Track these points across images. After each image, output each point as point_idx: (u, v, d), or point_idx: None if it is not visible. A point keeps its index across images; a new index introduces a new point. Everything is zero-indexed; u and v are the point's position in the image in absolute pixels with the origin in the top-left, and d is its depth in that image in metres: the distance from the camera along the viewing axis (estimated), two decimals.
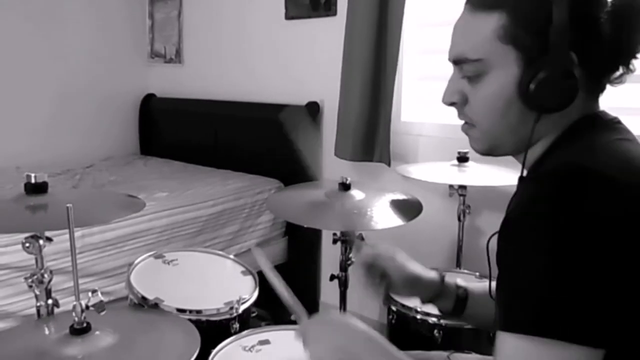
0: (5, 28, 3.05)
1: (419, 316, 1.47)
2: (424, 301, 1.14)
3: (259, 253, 1.15)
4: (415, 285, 1.12)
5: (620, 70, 0.79)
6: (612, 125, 0.80)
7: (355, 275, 1.18)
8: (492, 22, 0.78)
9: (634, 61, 0.79)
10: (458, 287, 1.12)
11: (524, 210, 0.70)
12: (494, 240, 0.83)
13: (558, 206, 0.66)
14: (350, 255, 1.59)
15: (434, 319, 1.44)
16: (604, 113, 0.83)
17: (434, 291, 1.12)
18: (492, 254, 0.84)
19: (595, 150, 0.74)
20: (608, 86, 0.83)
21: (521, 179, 0.83)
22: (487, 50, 0.80)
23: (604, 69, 0.79)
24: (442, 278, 1.13)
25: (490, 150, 0.88)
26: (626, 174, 0.69)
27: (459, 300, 1.11)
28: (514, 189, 0.90)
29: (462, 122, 0.89)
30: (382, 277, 1.12)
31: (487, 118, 0.84)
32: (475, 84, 0.83)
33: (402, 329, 1.54)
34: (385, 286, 1.13)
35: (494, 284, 0.93)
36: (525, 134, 0.80)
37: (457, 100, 0.86)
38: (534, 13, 0.76)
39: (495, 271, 0.94)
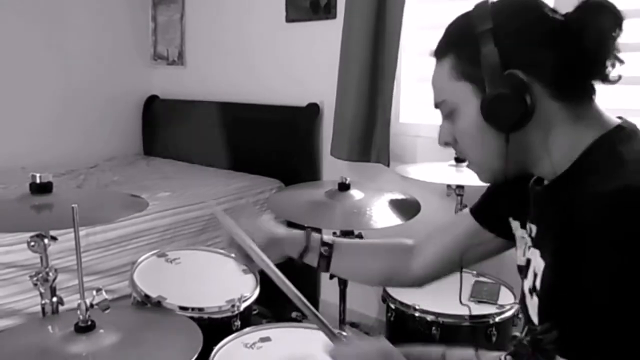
0: (11, 31, 3.05)
1: (417, 314, 1.47)
2: (296, 258, 1.16)
3: (222, 215, 1.13)
4: (279, 245, 1.15)
5: (606, 65, 0.79)
6: (638, 132, 0.82)
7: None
8: (446, 66, 0.87)
9: (611, 54, 0.79)
10: (323, 243, 1.16)
11: (590, 235, 0.70)
12: None
13: (626, 230, 0.67)
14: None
15: (432, 317, 1.44)
16: (627, 122, 0.83)
17: (300, 246, 1.15)
18: None
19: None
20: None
21: (547, 188, 0.86)
22: (448, 90, 0.87)
23: (572, 74, 0.80)
24: (308, 233, 1.17)
25: (495, 178, 0.92)
26: None
27: (322, 257, 1.15)
28: None
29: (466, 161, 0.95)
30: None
31: (472, 150, 0.90)
32: (454, 121, 0.89)
33: (400, 326, 1.54)
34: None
35: None
36: (516, 153, 0.83)
37: (449, 141, 0.92)
38: (468, 48, 0.83)
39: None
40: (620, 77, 0.81)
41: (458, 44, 0.86)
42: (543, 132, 0.82)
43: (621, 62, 0.80)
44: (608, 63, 0.80)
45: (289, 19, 2.81)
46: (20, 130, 3.13)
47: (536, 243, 0.85)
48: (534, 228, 0.88)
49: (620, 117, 0.84)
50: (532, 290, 0.84)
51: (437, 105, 0.92)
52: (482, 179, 0.93)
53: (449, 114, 0.89)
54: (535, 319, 0.82)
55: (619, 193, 0.70)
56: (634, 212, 0.68)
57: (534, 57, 0.80)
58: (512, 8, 0.84)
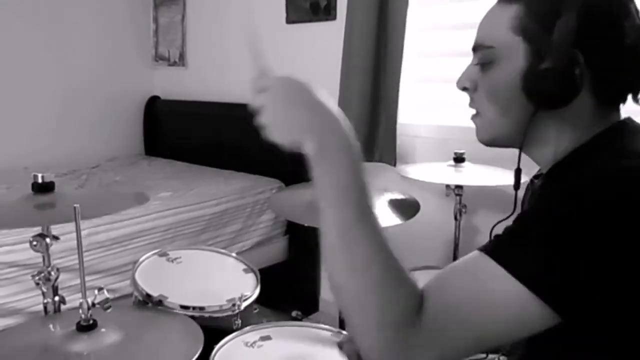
0: (14, 32, 3.06)
1: None
2: None
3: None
4: None
5: None
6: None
7: None
8: (509, 12, 0.79)
9: None
10: None
11: (560, 206, 0.67)
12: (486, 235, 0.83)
13: (598, 207, 0.65)
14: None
15: None
16: (630, 120, 0.82)
17: None
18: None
19: (628, 153, 0.73)
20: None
21: (545, 178, 0.84)
22: (500, 39, 0.80)
23: (622, 78, 0.78)
24: None
25: (493, 141, 0.87)
26: None
27: None
28: (510, 189, 0.89)
29: (472, 111, 0.89)
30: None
31: (491, 106, 0.84)
32: (486, 71, 0.83)
33: None
34: None
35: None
36: (529, 129, 0.80)
37: (468, 86, 0.87)
38: (545, 7, 0.76)
39: None
40: None
41: None
42: (566, 120, 0.79)
43: None
44: None
45: (289, 20, 2.82)
46: (22, 131, 3.13)
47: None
48: None
49: (628, 118, 0.83)
50: None
51: (477, 48, 0.85)
52: (482, 137, 0.88)
53: (487, 62, 0.82)
54: None
55: (595, 172, 0.69)
56: (605, 188, 0.66)
57: (602, 49, 0.75)
58: None
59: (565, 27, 0.74)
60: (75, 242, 1.09)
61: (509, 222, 0.75)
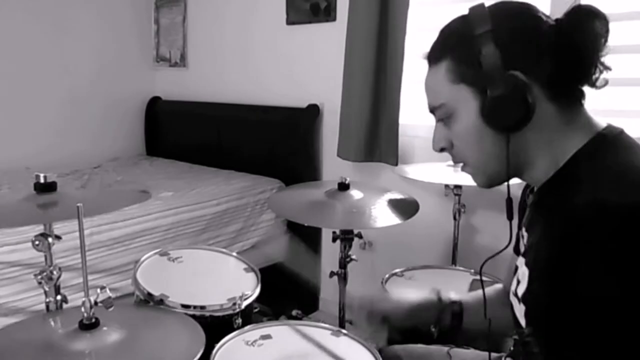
0: (17, 34, 3.05)
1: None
2: (431, 325, 1.14)
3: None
4: (415, 313, 1.13)
5: (594, 72, 0.80)
6: (620, 142, 0.81)
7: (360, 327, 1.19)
8: (442, 69, 0.86)
9: (599, 61, 0.80)
10: (453, 302, 1.13)
11: (562, 248, 0.71)
12: (483, 237, 0.84)
13: (595, 244, 0.68)
14: (349, 253, 1.59)
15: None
16: (610, 128, 0.83)
17: (435, 312, 1.13)
18: (483, 251, 0.89)
19: (619, 179, 0.74)
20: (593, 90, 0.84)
21: (538, 195, 0.87)
22: (445, 94, 0.86)
23: (568, 75, 0.81)
24: (439, 296, 1.14)
25: (490, 182, 0.90)
26: None
27: (455, 315, 1.12)
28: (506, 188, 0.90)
29: (461, 164, 0.93)
30: (383, 320, 1.13)
31: (469, 153, 0.89)
32: (450, 125, 0.88)
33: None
34: (389, 327, 1.14)
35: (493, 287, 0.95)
36: (512, 156, 0.83)
37: (444, 145, 0.92)
38: (467, 51, 0.82)
39: (484, 268, 0.94)
40: (606, 82, 0.81)
41: (456, 46, 0.85)
42: (539, 134, 0.82)
43: (608, 68, 0.81)
44: (597, 68, 0.80)
45: (289, 22, 2.81)
46: (25, 132, 3.13)
47: (525, 252, 0.86)
48: (525, 235, 0.89)
49: (609, 125, 0.84)
50: (516, 295, 0.85)
51: (432, 110, 0.91)
52: (478, 182, 0.92)
53: (446, 117, 0.88)
54: (522, 322, 0.83)
55: (588, 207, 0.70)
56: (600, 226, 0.68)
57: (533, 59, 0.80)
58: (509, 10, 0.83)
59: (490, 58, 0.79)
60: (77, 241, 1.09)
61: (497, 233, 0.77)
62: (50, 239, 1.24)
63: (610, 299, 0.66)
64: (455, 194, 2.00)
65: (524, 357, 0.87)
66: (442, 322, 1.13)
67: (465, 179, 1.86)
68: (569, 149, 0.81)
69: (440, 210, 2.17)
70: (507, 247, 0.89)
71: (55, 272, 1.25)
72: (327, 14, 2.62)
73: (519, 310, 0.84)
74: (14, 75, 3.06)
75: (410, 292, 1.15)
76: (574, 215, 0.71)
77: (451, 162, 1.89)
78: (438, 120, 0.91)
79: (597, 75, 0.81)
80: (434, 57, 0.88)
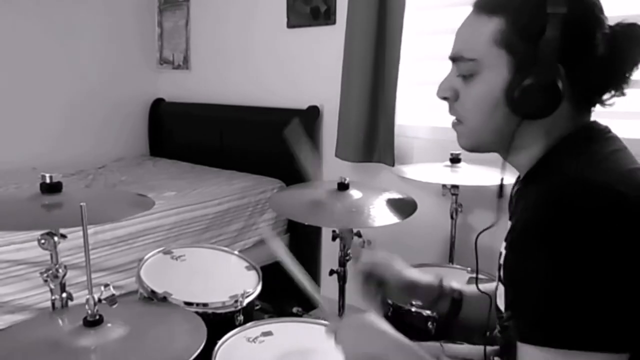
0: (24, 37, 3.05)
1: (413, 309, 1.46)
2: (425, 306, 1.13)
3: (274, 241, 1.12)
4: (413, 290, 1.10)
5: (612, 92, 0.79)
6: (605, 135, 0.80)
7: (353, 281, 1.16)
8: (491, 25, 0.78)
9: (625, 85, 0.78)
10: (453, 289, 1.11)
11: (537, 222, 0.69)
12: (482, 236, 0.85)
13: (571, 219, 0.66)
14: (349, 251, 1.58)
15: (428, 312, 1.44)
16: (596, 124, 0.83)
17: (434, 295, 1.10)
18: (480, 249, 0.88)
19: (597, 163, 0.73)
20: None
21: (522, 183, 0.85)
22: (483, 51, 0.80)
23: (594, 86, 0.79)
24: (441, 281, 1.11)
25: (475, 147, 0.88)
26: (631, 188, 0.69)
27: (454, 302, 1.10)
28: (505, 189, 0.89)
29: (453, 118, 0.89)
30: (379, 285, 1.11)
31: (474, 116, 0.84)
32: (468, 82, 0.83)
33: (397, 321, 1.53)
34: (382, 294, 1.11)
35: (490, 285, 0.95)
36: (508, 136, 0.81)
37: (449, 96, 0.87)
38: (530, 22, 0.75)
39: (482, 266, 0.94)
40: (612, 104, 0.81)
41: (521, 11, 0.77)
42: (543, 128, 0.80)
43: (623, 94, 0.79)
44: (618, 90, 0.79)
45: (290, 25, 2.81)
46: (32, 133, 3.13)
47: (506, 237, 0.83)
48: (509, 223, 0.88)
49: (595, 121, 0.84)
50: (498, 279, 0.84)
51: (457, 59, 0.84)
52: (464, 144, 0.88)
53: (469, 73, 0.82)
54: (501, 305, 0.82)
55: (554, 189, 0.70)
56: (567, 205, 0.67)
57: (581, 59, 0.76)
58: (584, 2, 0.77)
59: (551, 43, 0.73)
60: (81, 240, 1.09)
61: (495, 230, 0.79)
62: (55, 238, 1.24)
63: (596, 276, 0.65)
64: (453, 194, 2.00)
65: (504, 344, 0.87)
66: (439, 306, 1.11)
67: (462, 179, 1.89)
68: (551, 145, 0.81)
69: (437, 209, 2.17)
70: (494, 224, 0.86)
71: (60, 270, 1.25)
72: (327, 17, 2.62)
73: (500, 294, 0.83)
74: (21, 77, 3.06)
75: (413, 271, 1.12)
76: (555, 192, 0.69)
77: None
78: (458, 74, 0.84)
79: (614, 96, 0.80)
80: (489, 7, 0.80)
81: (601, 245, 0.64)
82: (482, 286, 0.93)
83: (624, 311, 0.65)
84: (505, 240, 0.81)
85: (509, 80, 0.78)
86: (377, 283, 1.10)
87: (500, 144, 0.84)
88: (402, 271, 1.10)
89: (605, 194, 0.67)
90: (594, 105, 0.82)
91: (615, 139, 0.80)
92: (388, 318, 1.57)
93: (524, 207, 0.74)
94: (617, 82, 0.78)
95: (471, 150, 0.88)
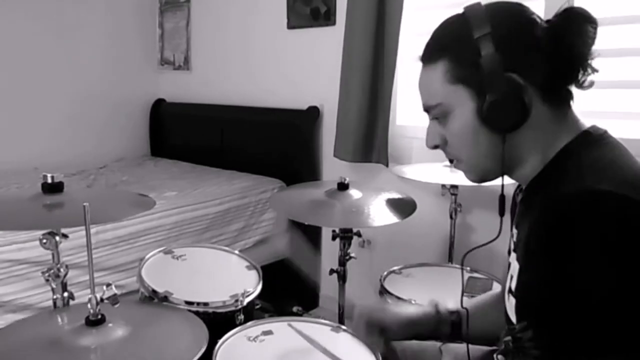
0: (25, 37, 3.05)
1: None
2: (427, 337, 1.14)
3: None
4: (413, 326, 1.11)
5: (580, 75, 0.81)
6: (605, 140, 0.81)
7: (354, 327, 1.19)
8: (438, 70, 0.85)
9: (585, 63, 0.80)
10: (451, 312, 1.11)
11: (549, 236, 0.70)
12: (481, 237, 0.86)
13: (586, 230, 0.67)
14: (349, 251, 1.58)
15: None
16: (594, 128, 0.84)
17: (433, 324, 1.11)
18: (479, 250, 0.89)
19: (600, 171, 0.74)
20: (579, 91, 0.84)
21: (526, 192, 0.87)
22: (442, 94, 0.85)
23: (557, 76, 0.81)
24: (437, 309, 1.12)
25: (482, 178, 0.91)
26: (636, 192, 0.70)
27: (454, 324, 1.11)
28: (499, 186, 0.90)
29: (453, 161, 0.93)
30: (381, 331, 1.11)
31: (464, 151, 0.88)
32: (445, 124, 0.87)
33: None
34: (386, 338, 1.12)
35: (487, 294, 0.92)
36: (501, 155, 0.83)
37: (438, 143, 0.91)
38: (466, 52, 0.81)
39: (480, 266, 0.92)
40: (592, 84, 0.82)
41: (454, 47, 0.83)
42: (532, 134, 0.82)
43: (595, 70, 0.81)
44: (585, 70, 0.81)
45: (290, 26, 2.81)
46: (33, 133, 3.12)
47: (515, 247, 0.86)
48: (515, 232, 0.89)
49: (593, 126, 0.84)
50: (509, 291, 0.84)
51: (428, 109, 0.90)
52: (471, 178, 0.92)
53: (441, 116, 0.87)
54: (513, 318, 0.82)
55: (577, 196, 0.70)
56: (576, 217, 0.68)
57: (529, 61, 0.79)
58: (506, 12, 0.83)
59: (490, 60, 0.78)
60: (83, 239, 1.09)
61: (502, 255, 0.80)
62: (57, 238, 1.23)
63: (609, 289, 0.66)
64: (452, 194, 1.99)
65: (515, 354, 0.85)
66: (440, 333, 1.12)
67: (461, 179, 1.87)
68: (556, 147, 0.82)
69: (437, 209, 2.17)
70: (494, 240, 0.88)
71: (62, 270, 1.25)
72: (327, 18, 2.62)
73: (510, 306, 0.84)
74: (22, 78, 3.06)
75: (408, 306, 1.15)
76: (563, 204, 0.71)
77: (447, 163, 1.91)
78: (433, 118, 0.90)
79: (585, 76, 0.81)
80: (429, 57, 0.87)
81: (613, 251, 0.66)
82: (475, 299, 0.98)
83: None
84: (514, 251, 0.83)
85: (474, 107, 0.82)
86: (379, 331, 1.11)
87: (500, 166, 0.85)
88: (398, 311, 1.13)
89: (611, 201, 0.68)
90: (570, 98, 0.84)
91: (615, 143, 0.81)
92: None
93: (533, 221, 0.76)
94: (581, 64, 0.80)
95: (481, 181, 0.91)
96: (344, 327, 1.24)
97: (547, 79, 0.80)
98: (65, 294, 1.27)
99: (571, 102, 0.84)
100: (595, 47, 0.80)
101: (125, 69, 3.52)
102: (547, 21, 0.82)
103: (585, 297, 0.67)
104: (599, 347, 0.66)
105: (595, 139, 0.81)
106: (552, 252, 0.69)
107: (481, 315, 1.06)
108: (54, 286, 1.25)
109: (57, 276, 1.24)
